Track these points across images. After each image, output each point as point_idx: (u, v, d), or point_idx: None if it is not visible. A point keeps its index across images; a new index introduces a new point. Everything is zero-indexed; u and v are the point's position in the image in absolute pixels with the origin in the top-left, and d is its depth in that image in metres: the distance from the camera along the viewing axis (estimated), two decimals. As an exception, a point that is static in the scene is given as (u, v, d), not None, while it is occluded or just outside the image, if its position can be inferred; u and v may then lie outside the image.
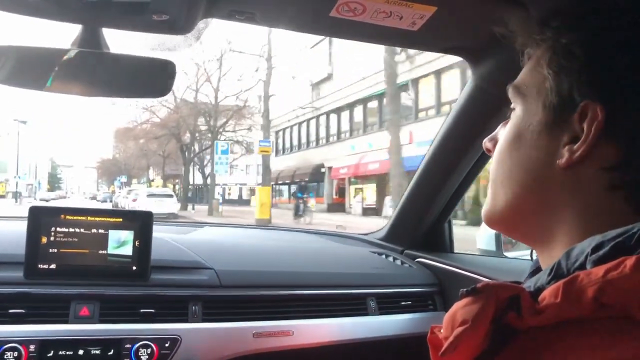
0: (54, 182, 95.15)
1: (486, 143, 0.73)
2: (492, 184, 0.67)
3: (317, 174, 32.25)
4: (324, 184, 31.68)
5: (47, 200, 42.12)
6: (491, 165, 0.68)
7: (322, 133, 32.99)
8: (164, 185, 46.59)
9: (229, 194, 49.48)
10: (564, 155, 0.58)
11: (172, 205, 23.70)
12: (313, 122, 34.11)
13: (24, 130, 57.86)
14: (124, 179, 55.33)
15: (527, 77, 0.65)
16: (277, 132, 37.81)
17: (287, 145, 39.14)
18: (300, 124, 35.88)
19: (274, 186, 37.43)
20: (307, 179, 32.63)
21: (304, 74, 30.57)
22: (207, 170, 35.12)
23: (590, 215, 0.57)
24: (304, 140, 36.20)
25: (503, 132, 0.67)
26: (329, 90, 29.64)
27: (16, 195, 42.25)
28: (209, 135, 31.23)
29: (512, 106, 0.67)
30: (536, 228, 0.63)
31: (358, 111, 28.18)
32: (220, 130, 30.94)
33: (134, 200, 25.38)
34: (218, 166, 25.26)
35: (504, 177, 0.65)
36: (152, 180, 54.88)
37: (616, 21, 0.58)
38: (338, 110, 29.76)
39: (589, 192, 0.57)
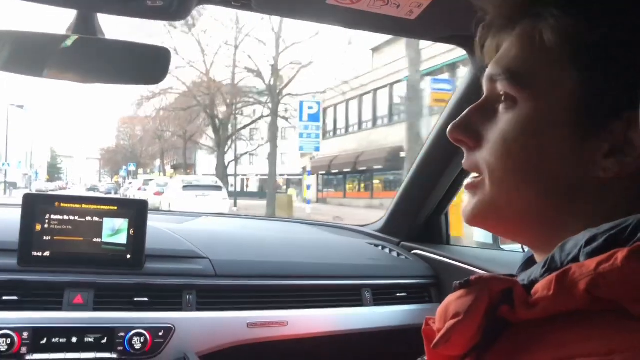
0: (53, 173, 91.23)
1: (458, 133, 0.63)
2: (493, 184, 0.60)
3: (393, 160, 22.78)
4: (404, 172, 22.87)
5: (44, 192, 38.96)
6: (489, 162, 0.60)
7: (397, 107, 24.27)
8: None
9: (247, 186, 44.31)
10: (609, 168, 0.53)
11: (220, 202, 16.31)
12: (384, 93, 25.18)
13: (22, 116, 53.21)
14: (132, 167, 47.52)
15: (531, 65, 0.57)
16: (325, 110, 26.66)
17: (341, 124, 29.47)
18: (361, 96, 26.53)
19: (323, 176, 31.92)
20: (378, 166, 24.86)
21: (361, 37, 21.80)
22: (227, 156, 28.70)
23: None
24: (367, 117, 26.97)
25: (503, 127, 0.59)
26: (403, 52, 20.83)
27: (5, 186, 35.94)
28: (265, 103, 22.83)
29: (502, 93, 0.60)
30: (542, 234, 0.59)
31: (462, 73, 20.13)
32: (282, 92, 21.77)
33: (158, 193, 18.47)
34: (304, 141, 17.08)
35: (516, 181, 0.58)
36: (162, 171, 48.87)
37: None
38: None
39: (621, 200, 0.54)
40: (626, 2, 0.53)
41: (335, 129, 30.04)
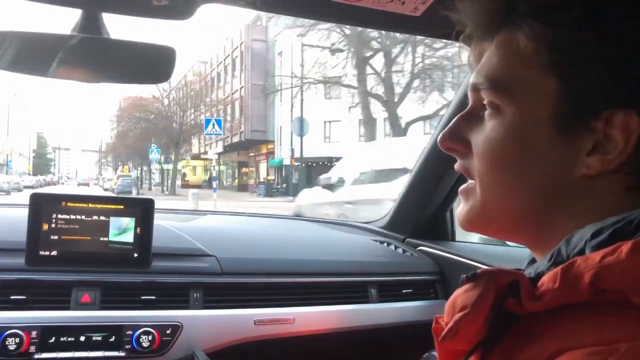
0: (42, 164, 77.01)
1: (448, 142, 0.65)
2: (483, 189, 0.61)
3: None
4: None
5: (7, 192, 26.10)
6: (478, 168, 0.61)
7: None
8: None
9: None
10: (592, 166, 0.54)
11: None
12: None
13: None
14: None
15: (511, 73, 0.58)
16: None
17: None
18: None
19: None
20: None
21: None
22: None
23: (605, 215, 0.53)
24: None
25: (488, 134, 0.60)
26: None
27: None
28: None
29: (486, 101, 0.61)
30: (538, 233, 0.60)
31: None
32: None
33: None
34: None
35: (506, 185, 0.59)
36: (204, 154, 34.60)
37: (627, 14, 0.53)
38: None
39: (607, 195, 0.55)
40: (597, 5, 0.54)
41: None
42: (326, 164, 24.56)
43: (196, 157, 38.99)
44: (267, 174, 33.29)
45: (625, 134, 0.52)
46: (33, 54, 1.10)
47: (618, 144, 0.53)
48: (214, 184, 19.83)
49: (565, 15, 0.54)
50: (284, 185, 27.99)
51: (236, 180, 38.73)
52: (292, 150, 24.99)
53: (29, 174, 53.09)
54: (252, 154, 35.39)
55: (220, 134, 19.07)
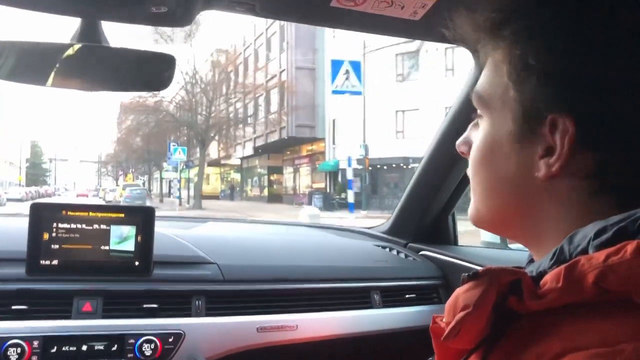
0: (37, 175, 71.39)
1: (460, 146, 0.71)
2: (472, 191, 0.68)
3: None
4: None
5: None
6: (469, 172, 0.68)
7: None
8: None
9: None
10: (541, 169, 0.57)
11: None
12: None
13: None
14: None
15: (488, 86, 0.63)
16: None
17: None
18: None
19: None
20: None
21: None
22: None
23: (578, 219, 0.55)
24: None
25: (476, 139, 0.66)
26: None
27: None
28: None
29: (479, 112, 0.66)
30: (523, 231, 0.63)
31: None
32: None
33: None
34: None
35: (482, 187, 0.65)
36: (225, 158, 28.66)
37: (566, 26, 0.56)
38: None
39: (573, 199, 0.56)
40: (537, 18, 0.57)
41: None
42: (401, 166, 20.06)
43: (215, 163, 32.02)
44: (312, 181, 27.08)
45: (562, 137, 0.55)
46: (33, 64, 1.10)
47: (560, 147, 0.55)
48: (351, 196, 13.73)
49: (511, 29, 0.58)
50: (343, 196, 22.19)
51: (265, 190, 31.82)
52: (366, 147, 19.06)
53: (21, 185, 47.50)
54: (286, 158, 28.56)
55: (359, 93, 13.12)
